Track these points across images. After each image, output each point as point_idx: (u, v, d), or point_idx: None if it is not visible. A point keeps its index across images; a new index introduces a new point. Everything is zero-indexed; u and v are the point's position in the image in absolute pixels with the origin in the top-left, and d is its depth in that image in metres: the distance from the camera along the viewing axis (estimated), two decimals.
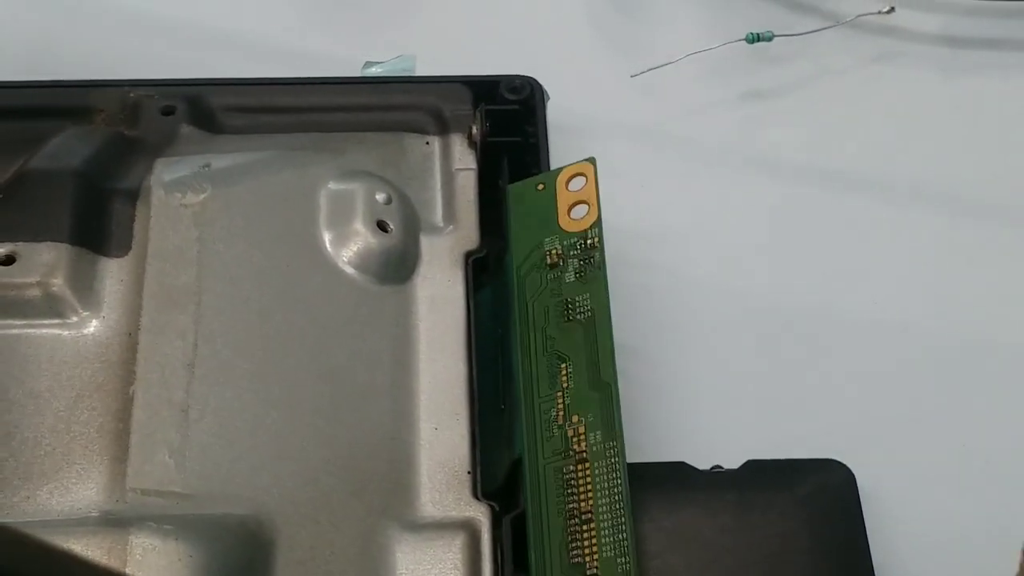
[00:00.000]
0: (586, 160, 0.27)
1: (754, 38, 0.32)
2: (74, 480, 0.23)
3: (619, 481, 0.23)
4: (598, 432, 0.23)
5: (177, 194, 0.26)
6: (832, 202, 0.31)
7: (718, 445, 0.26)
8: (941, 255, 0.30)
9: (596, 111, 0.32)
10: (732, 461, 0.25)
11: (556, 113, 0.30)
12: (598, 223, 0.26)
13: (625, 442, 0.23)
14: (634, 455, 0.25)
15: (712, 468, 0.25)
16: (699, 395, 0.27)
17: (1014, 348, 0.28)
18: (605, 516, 0.22)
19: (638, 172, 0.31)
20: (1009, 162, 0.32)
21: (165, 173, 0.27)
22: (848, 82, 0.33)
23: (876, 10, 0.33)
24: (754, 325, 0.29)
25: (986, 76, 0.33)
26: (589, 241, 0.26)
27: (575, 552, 0.22)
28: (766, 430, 0.27)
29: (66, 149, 0.27)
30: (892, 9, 0.33)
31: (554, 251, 0.26)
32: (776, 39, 0.32)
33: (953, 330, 0.29)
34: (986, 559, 0.24)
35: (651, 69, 0.32)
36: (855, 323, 0.29)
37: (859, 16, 0.33)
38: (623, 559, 0.22)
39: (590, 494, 0.23)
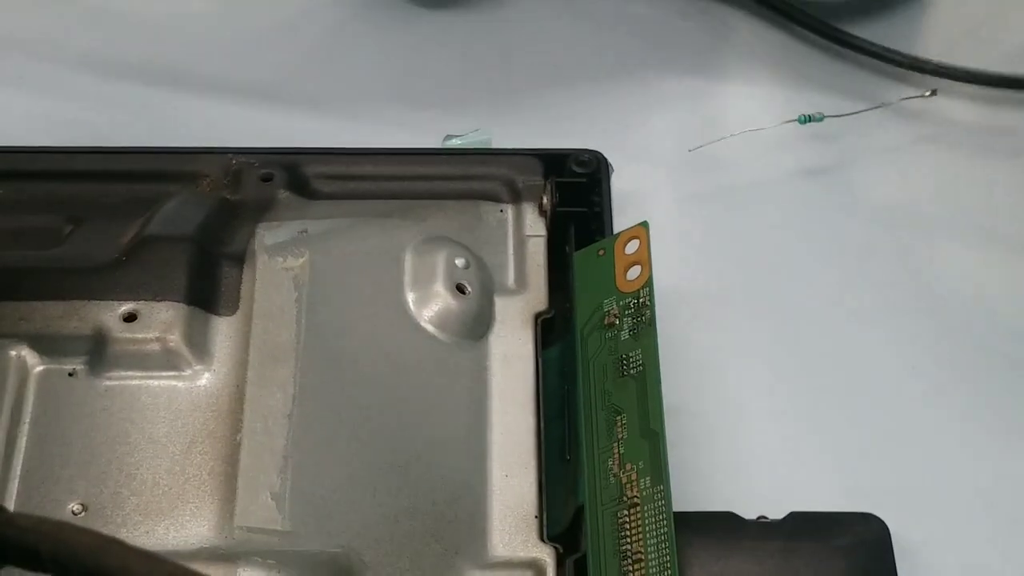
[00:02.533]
0: (640, 224, 0.29)
1: (806, 119, 0.34)
2: (188, 518, 0.26)
3: (665, 523, 0.25)
4: (648, 478, 0.26)
5: (279, 258, 0.29)
6: (873, 267, 0.33)
7: (764, 498, 0.28)
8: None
9: (657, 182, 0.35)
10: (777, 513, 0.27)
11: (621, 182, 0.33)
12: (649, 283, 0.28)
13: (672, 488, 0.26)
14: (686, 505, 0.27)
15: (758, 518, 0.27)
16: (748, 450, 0.30)
17: None
18: (653, 555, 0.25)
19: (694, 238, 0.34)
20: None
21: (267, 238, 0.30)
22: (893, 160, 0.35)
23: (919, 93, 0.35)
24: (797, 382, 0.31)
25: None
26: (641, 300, 0.28)
27: None
28: (810, 485, 0.29)
29: (179, 215, 0.30)
30: (934, 92, 0.35)
31: (612, 311, 0.28)
32: (826, 119, 0.34)
33: (985, 386, 0.31)
34: None
35: (708, 143, 0.34)
36: (891, 382, 0.31)
37: (903, 99, 0.35)
38: None
39: (639, 535, 0.25)
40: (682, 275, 0.33)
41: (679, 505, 0.27)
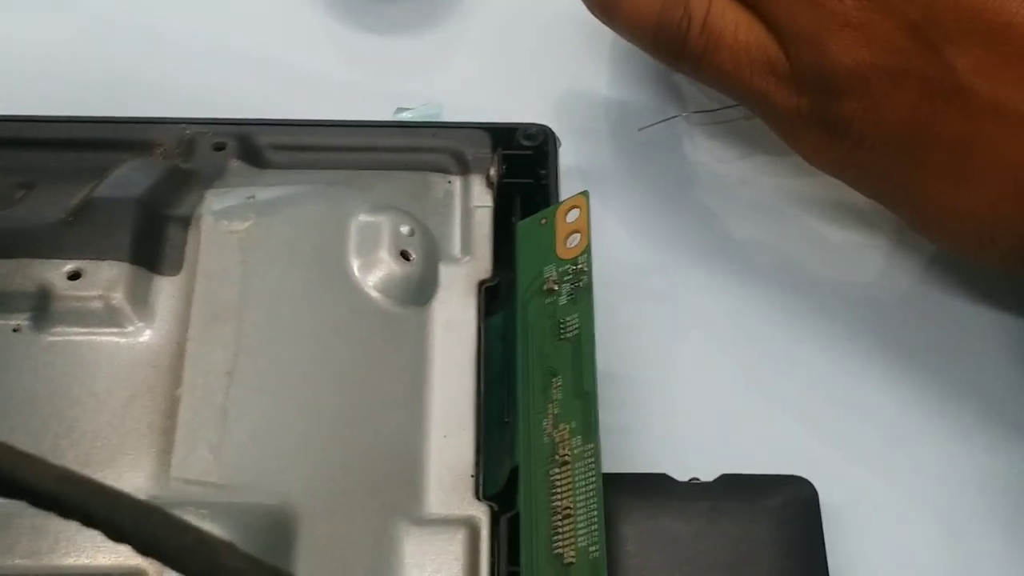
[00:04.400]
0: (580, 194, 0.30)
1: None
2: (126, 469, 0.26)
3: (593, 479, 0.25)
4: (579, 437, 0.26)
5: (224, 221, 0.30)
6: (810, 245, 0.33)
7: (698, 461, 0.28)
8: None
9: (606, 158, 0.35)
10: (709, 475, 0.28)
11: (570, 157, 0.34)
12: (587, 250, 0.29)
13: (607, 449, 0.26)
14: (623, 467, 0.28)
15: (690, 480, 0.28)
16: (684, 415, 0.30)
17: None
18: (582, 512, 0.25)
19: (640, 213, 0.34)
20: None
21: (215, 203, 0.30)
22: None
23: None
24: (733, 351, 0.32)
25: None
26: (579, 266, 0.29)
27: (556, 544, 0.25)
28: (743, 449, 0.30)
29: (128, 179, 0.30)
30: None
31: (551, 277, 0.29)
32: None
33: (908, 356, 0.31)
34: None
35: (657, 123, 0.35)
36: (828, 349, 0.32)
37: None
38: (594, 548, 0.25)
39: (569, 491, 0.26)
40: (627, 248, 0.33)
41: (615, 468, 0.28)
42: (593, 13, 0.33)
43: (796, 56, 0.29)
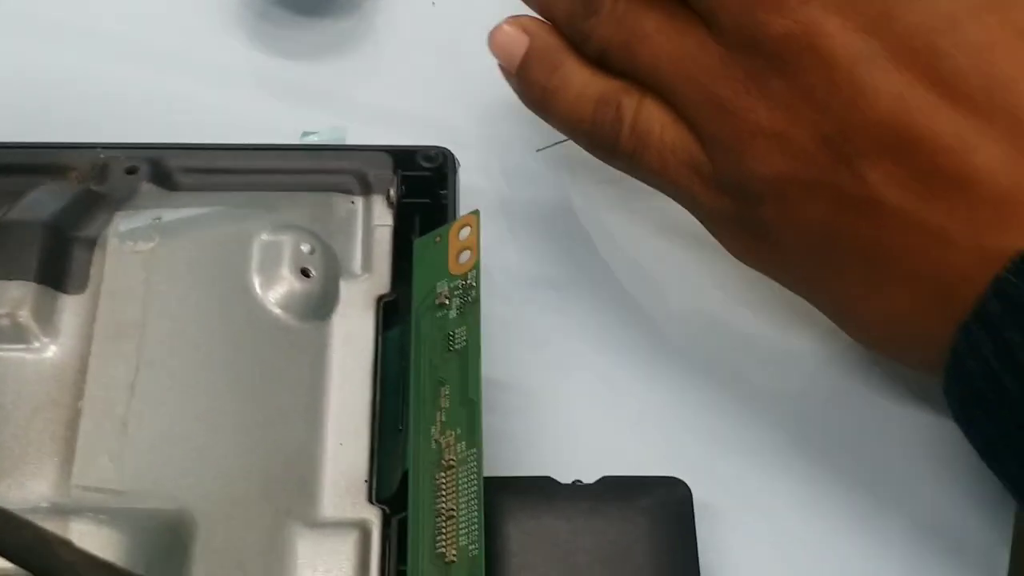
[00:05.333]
0: (471, 213, 0.31)
1: None
2: (29, 477, 0.27)
3: (475, 483, 0.27)
4: (463, 443, 0.28)
5: (130, 242, 0.31)
6: (692, 262, 0.35)
7: (582, 464, 0.30)
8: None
9: (506, 178, 0.37)
10: (592, 477, 0.29)
11: (471, 177, 0.35)
12: (476, 266, 0.30)
13: (491, 454, 0.28)
14: (509, 470, 0.30)
15: (573, 482, 0.29)
16: (570, 421, 0.32)
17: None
18: (463, 513, 0.27)
19: (533, 228, 0.36)
20: None
21: (122, 224, 0.31)
22: None
23: None
24: (617, 363, 0.33)
25: None
26: (468, 281, 0.30)
27: (440, 544, 0.27)
28: (625, 452, 0.31)
29: (39, 203, 0.32)
30: None
31: (443, 292, 0.31)
32: None
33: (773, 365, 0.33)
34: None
35: (555, 144, 0.37)
36: (703, 361, 0.33)
37: None
38: (473, 547, 0.26)
39: (453, 494, 0.27)
40: (523, 263, 0.35)
41: (503, 471, 0.30)
42: (528, 107, 0.34)
43: (716, 160, 0.29)
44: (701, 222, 0.31)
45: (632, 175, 0.32)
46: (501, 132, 0.38)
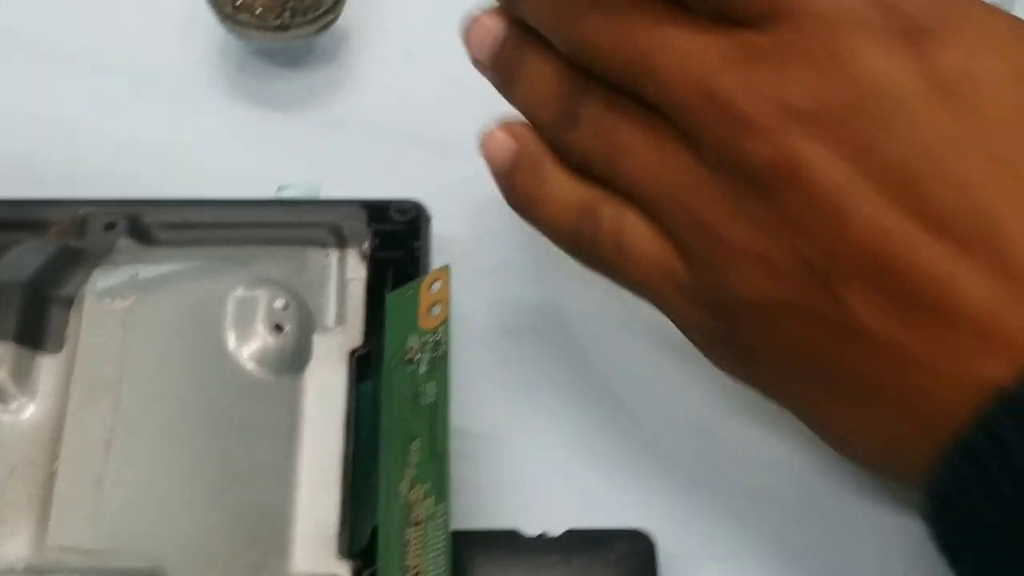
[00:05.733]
0: (442, 267, 0.32)
1: None
2: (5, 537, 0.28)
3: (443, 539, 0.27)
4: (432, 498, 0.28)
5: (107, 300, 0.32)
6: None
7: (549, 515, 0.30)
8: None
9: (480, 229, 0.37)
10: (557, 530, 0.30)
11: (446, 228, 0.36)
12: (446, 321, 0.31)
13: (460, 508, 0.28)
14: (477, 523, 0.30)
15: (539, 535, 0.30)
16: (538, 473, 0.33)
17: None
18: (431, 568, 0.27)
19: (506, 279, 0.37)
20: None
21: (99, 281, 0.32)
22: None
23: None
24: (585, 414, 0.34)
25: None
26: (438, 337, 0.31)
27: None
28: (591, 504, 0.32)
29: (18, 262, 0.32)
30: None
31: (413, 347, 0.31)
32: None
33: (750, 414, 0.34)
34: None
35: None
36: (674, 409, 0.34)
37: None
38: None
39: (420, 551, 0.28)
40: (496, 314, 0.36)
41: (471, 522, 0.30)
42: (514, 211, 0.33)
43: (698, 277, 0.29)
44: (685, 335, 0.31)
45: (615, 283, 0.32)
46: (475, 183, 0.39)
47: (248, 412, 0.31)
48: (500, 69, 0.33)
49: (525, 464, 0.33)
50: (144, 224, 0.34)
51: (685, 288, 0.29)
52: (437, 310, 0.32)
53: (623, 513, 0.31)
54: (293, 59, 0.41)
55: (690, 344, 0.33)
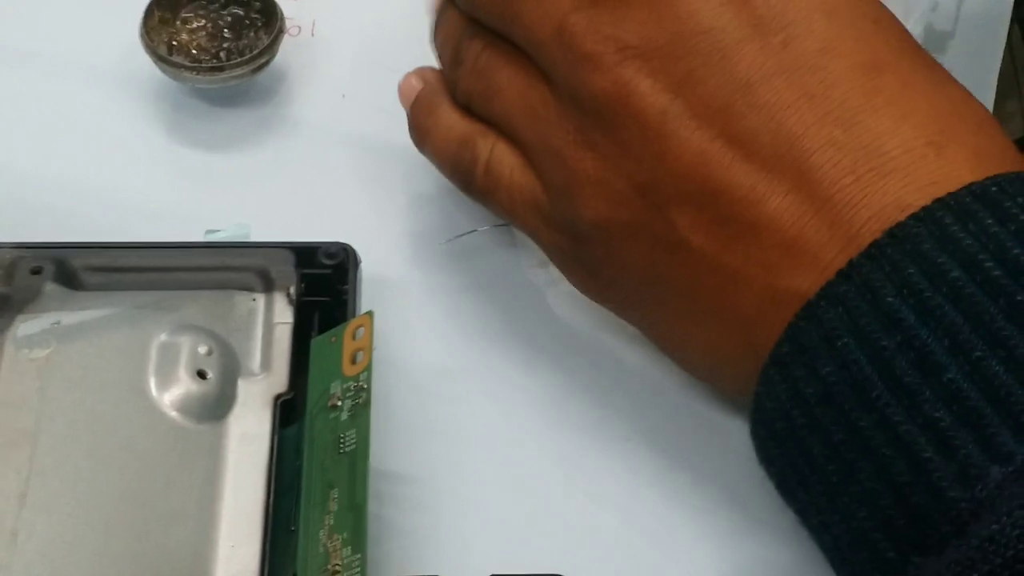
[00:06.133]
0: (365, 314, 0.32)
1: None
2: None
3: None
4: (349, 547, 0.28)
5: (25, 349, 0.32)
6: (590, 358, 0.36)
7: (472, 560, 0.30)
8: None
9: (413, 271, 0.37)
10: (480, 575, 0.30)
11: (377, 269, 0.36)
12: (368, 367, 0.31)
13: (383, 554, 0.29)
14: (399, 566, 0.30)
15: None
16: (463, 514, 0.32)
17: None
18: None
19: (440, 319, 0.37)
20: None
21: (21, 329, 0.32)
22: None
23: None
24: (515, 455, 0.34)
25: None
26: (360, 383, 0.31)
27: None
28: (516, 548, 0.32)
29: None
30: None
31: (336, 394, 0.31)
32: None
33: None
34: None
35: (460, 236, 0.37)
36: (604, 455, 0.34)
37: None
38: None
39: None
40: (425, 354, 0.36)
41: (393, 567, 0.30)
42: (412, 140, 0.37)
43: (554, 202, 0.32)
44: (546, 255, 0.34)
45: (488, 210, 0.35)
46: (408, 223, 0.39)
47: (169, 459, 0.31)
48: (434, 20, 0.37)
49: (450, 507, 0.33)
50: (71, 268, 0.34)
51: (545, 213, 0.33)
52: (360, 356, 0.32)
53: (545, 558, 0.31)
54: (230, 99, 0.41)
55: (618, 394, 0.33)
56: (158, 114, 0.41)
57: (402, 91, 0.37)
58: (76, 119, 0.41)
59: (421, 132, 0.36)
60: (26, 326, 0.32)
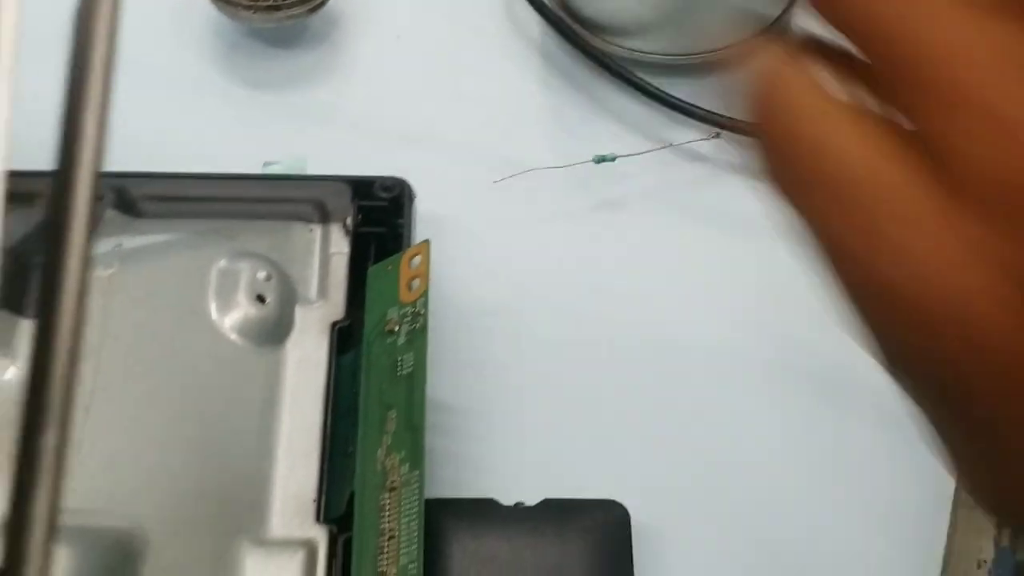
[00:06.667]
0: (422, 242, 0.32)
1: (600, 159, 0.38)
2: None
3: (416, 504, 0.28)
4: (407, 465, 0.29)
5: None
6: (643, 285, 0.36)
7: (526, 486, 0.31)
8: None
9: (465, 208, 0.38)
10: (534, 499, 0.30)
11: (429, 207, 0.36)
12: (425, 294, 0.31)
13: (438, 475, 0.29)
14: (455, 492, 0.31)
15: (515, 504, 0.30)
16: (515, 442, 0.33)
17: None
18: (404, 532, 0.28)
19: (488, 255, 0.37)
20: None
21: None
22: (677, 195, 0.39)
23: (704, 137, 0.39)
24: (569, 389, 0.34)
25: None
26: (417, 309, 0.31)
27: (381, 562, 0.28)
28: (569, 473, 0.32)
29: (3, 229, 0.33)
30: (718, 135, 0.38)
31: (393, 319, 0.31)
32: (618, 160, 0.37)
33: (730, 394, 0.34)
34: None
35: (511, 176, 0.38)
36: (648, 388, 0.34)
37: (690, 142, 0.39)
38: (412, 565, 0.27)
39: (395, 515, 0.28)
40: (475, 290, 0.36)
41: (448, 492, 0.31)
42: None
43: None
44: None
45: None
46: (459, 163, 0.39)
47: (229, 381, 0.31)
48: None
49: (503, 436, 0.33)
50: (130, 196, 0.35)
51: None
52: (417, 284, 0.32)
53: (599, 485, 0.31)
54: (285, 40, 0.42)
55: (677, 313, 0.33)
56: (214, 53, 0.41)
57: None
58: (136, 57, 0.41)
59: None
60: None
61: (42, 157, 0.37)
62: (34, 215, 0.34)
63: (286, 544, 0.29)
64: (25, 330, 0.31)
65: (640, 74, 0.40)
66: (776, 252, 0.37)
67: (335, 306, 0.33)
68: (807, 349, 0.34)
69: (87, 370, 0.30)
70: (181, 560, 0.28)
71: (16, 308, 0.31)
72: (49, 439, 0.21)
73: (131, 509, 0.29)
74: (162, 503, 0.29)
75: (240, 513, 0.29)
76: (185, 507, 0.29)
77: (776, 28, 0.40)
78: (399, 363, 0.31)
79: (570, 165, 0.38)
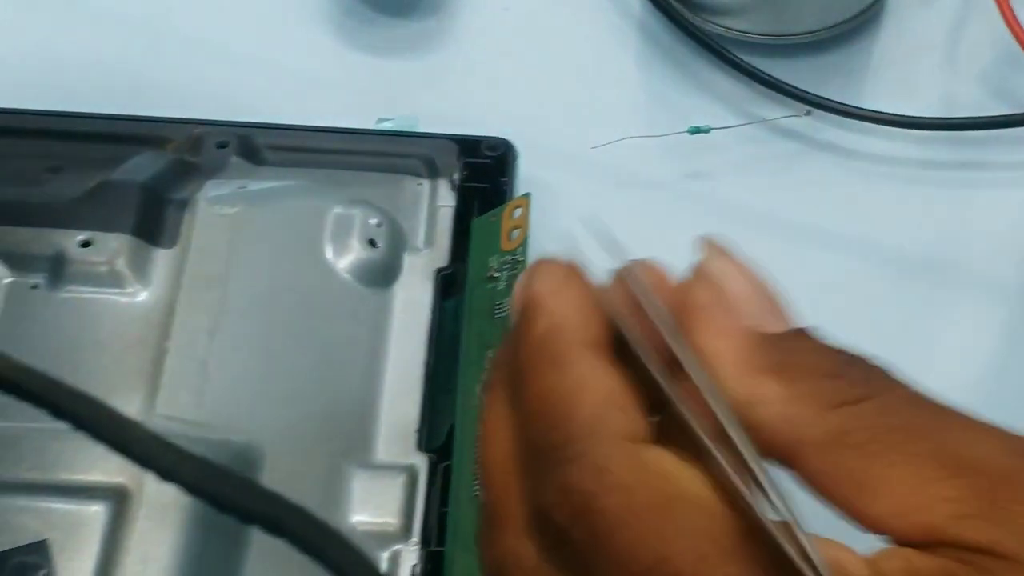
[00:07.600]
0: (523, 195, 0.34)
1: (695, 130, 0.39)
2: (119, 405, 0.31)
3: None
4: None
5: (217, 206, 0.34)
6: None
7: None
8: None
9: (563, 171, 0.40)
10: None
11: (531, 169, 0.38)
12: (524, 242, 0.33)
13: None
14: None
15: None
16: None
17: None
18: None
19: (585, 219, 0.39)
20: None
21: (211, 190, 0.35)
22: (766, 168, 0.40)
23: (795, 114, 0.40)
24: None
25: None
26: (516, 256, 0.33)
27: (476, 489, 0.30)
28: None
29: (138, 168, 0.35)
30: (809, 112, 0.40)
31: (494, 266, 0.34)
32: (713, 131, 0.39)
33: None
34: None
35: (609, 143, 0.39)
36: None
37: (781, 118, 0.40)
38: None
39: None
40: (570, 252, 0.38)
41: None
42: None
43: None
44: None
45: None
46: (560, 128, 0.41)
47: (341, 317, 0.33)
48: None
49: None
50: (254, 145, 0.37)
51: None
52: (517, 233, 0.34)
53: None
54: (397, 8, 0.44)
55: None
56: (331, 18, 0.44)
57: None
58: (256, 20, 0.44)
59: None
60: (216, 187, 0.35)
61: (171, 105, 0.40)
62: (164, 157, 0.36)
63: (390, 468, 0.31)
64: (159, 259, 0.33)
65: (736, 52, 0.41)
66: (861, 229, 0.39)
67: (440, 254, 0.35)
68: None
69: (213, 297, 0.33)
70: (293, 476, 0.30)
71: (150, 238, 0.34)
72: None
73: (250, 426, 0.31)
74: (278, 422, 0.31)
75: (349, 437, 0.32)
76: (299, 428, 0.31)
77: (871, 12, 0.42)
78: (497, 306, 0.33)
79: (665, 135, 0.39)
